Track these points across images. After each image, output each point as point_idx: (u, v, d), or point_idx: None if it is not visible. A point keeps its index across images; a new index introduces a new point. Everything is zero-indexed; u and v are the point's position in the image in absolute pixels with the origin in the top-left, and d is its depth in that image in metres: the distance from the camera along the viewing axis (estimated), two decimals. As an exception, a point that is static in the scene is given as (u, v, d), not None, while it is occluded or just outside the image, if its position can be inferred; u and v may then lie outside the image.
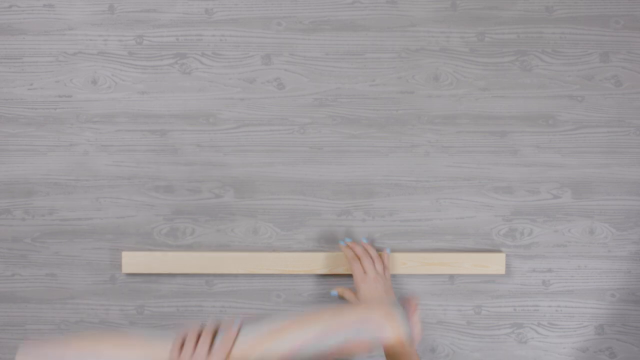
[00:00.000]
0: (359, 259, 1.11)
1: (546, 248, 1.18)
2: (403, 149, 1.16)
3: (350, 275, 1.17)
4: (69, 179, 1.16)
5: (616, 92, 1.17)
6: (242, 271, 1.15)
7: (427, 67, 1.16)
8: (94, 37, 1.15)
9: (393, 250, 1.17)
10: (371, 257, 1.11)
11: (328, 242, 1.17)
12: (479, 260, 1.15)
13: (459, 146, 1.16)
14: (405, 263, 1.15)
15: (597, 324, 1.19)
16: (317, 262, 1.15)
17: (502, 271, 1.16)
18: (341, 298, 1.13)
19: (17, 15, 1.15)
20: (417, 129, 1.16)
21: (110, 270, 1.16)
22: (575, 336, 1.19)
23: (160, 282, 1.16)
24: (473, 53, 1.16)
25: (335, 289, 1.14)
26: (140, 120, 1.15)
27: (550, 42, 1.16)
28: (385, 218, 1.17)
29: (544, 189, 1.17)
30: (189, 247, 1.17)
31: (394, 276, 1.17)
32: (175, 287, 1.17)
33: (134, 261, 1.14)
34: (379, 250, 1.15)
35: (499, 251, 1.17)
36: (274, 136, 1.16)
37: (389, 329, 0.88)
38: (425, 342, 1.18)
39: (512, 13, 1.16)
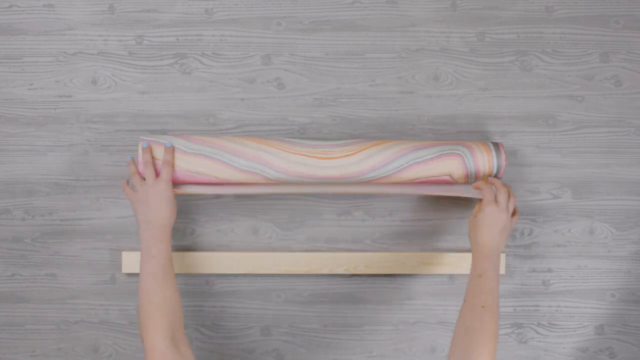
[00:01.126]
0: (496, 187, 1.07)
1: (546, 248, 1.18)
2: (403, 149, 1.16)
3: (351, 276, 1.17)
4: (69, 179, 1.16)
5: (616, 92, 1.17)
6: (242, 271, 1.15)
7: (427, 67, 1.16)
8: (94, 37, 1.15)
9: (393, 250, 1.17)
10: (508, 194, 1.06)
11: (328, 242, 1.17)
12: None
13: (459, 146, 1.16)
14: (405, 263, 1.15)
15: (597, 324, 1.19)
16: (317, 262, 1.15)
17: (502, 271, 1.15)
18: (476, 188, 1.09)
19: (17, 15, 1.15)
20: (417, 129, 1.16)
21: (110, 270, 1.16)
22: (575, 336, 1.19)
23: (160, 282, 1.16)
24: (473, 53, 1.16)
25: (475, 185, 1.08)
26: (140, 120, 1.15)
27: (550, 42, 1.16)
28: (385, 218, 1.17)
29: (544, 189, 1.17)
30: (189, 247, 1.17)
31: (393, 276, 1.17)
32: (175, 287, 1.17)
33: (134, 261, 1.14)
34: None
35: (499, 251, 1.17)
36: (274, 136, 1.16)
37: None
38: (425, 342, 1.18)
39: (512, 13, 1.16)
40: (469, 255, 1.15)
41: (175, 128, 1.15)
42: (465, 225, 1.17)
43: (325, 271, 1.15)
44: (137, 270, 1.14)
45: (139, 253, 1.13)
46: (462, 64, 1.16)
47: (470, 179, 1.08)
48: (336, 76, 1.16)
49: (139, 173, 1.06)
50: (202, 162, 1.06)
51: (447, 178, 1.08)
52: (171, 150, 1.05)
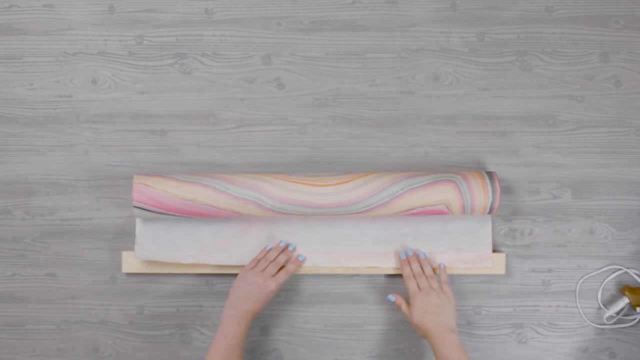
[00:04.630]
0: (414, 276, 1.10)
1: (546, 248, 1.18)
2: (403, 149, 1.16)
3: (351, 276, 1.17)
4: (69, 179, 1.16)
5: (616, 92, 1.17)
6: (242, 271, 1.15)
7: (427, 67, 1.16)
8: (94, 37, 1.15)
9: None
10: (426, 275, 1.10)
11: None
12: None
13: (459, 146, 1.16)
14: (405, 263, 1.15)
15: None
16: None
17: (502, 271, 1.16)
18: (396, 306, 1.13)
19: (17, 15, 1.15)
20: (417, 129, 1.16)
21: (110, 270, 1.17)
22: (575, 336, 1.19)
23: (160, 282, 1.16)
24: (473, 53, 1.16)
25: (393, 295, 1.11)
26: (140, 120, 1.16)
27: (550, 42, 1.16)
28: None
29: (544, 189, 1.17)
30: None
31: (394, 276, 1.17)
32: (175, 287, 1.17)
33: (134, 261, 1.14)
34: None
35: (499, 251, 1.17)
36: (274, 136, 1.16)
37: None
38: (424, 342, 1.18)
39: (512, 13, 1.16)
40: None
41: (175, 128, 1.15)
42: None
43: (325, 271, 1.15)
44: (136, 270, 1.14)
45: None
46: (462, 64, 1.16)
47: (467, 209, 1.08)
48: (336, 76, 1.16)
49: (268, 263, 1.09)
50: (197, 190, 1.06)
51: (443, 208, 1.08)
52: (299, 263, 1.11)
